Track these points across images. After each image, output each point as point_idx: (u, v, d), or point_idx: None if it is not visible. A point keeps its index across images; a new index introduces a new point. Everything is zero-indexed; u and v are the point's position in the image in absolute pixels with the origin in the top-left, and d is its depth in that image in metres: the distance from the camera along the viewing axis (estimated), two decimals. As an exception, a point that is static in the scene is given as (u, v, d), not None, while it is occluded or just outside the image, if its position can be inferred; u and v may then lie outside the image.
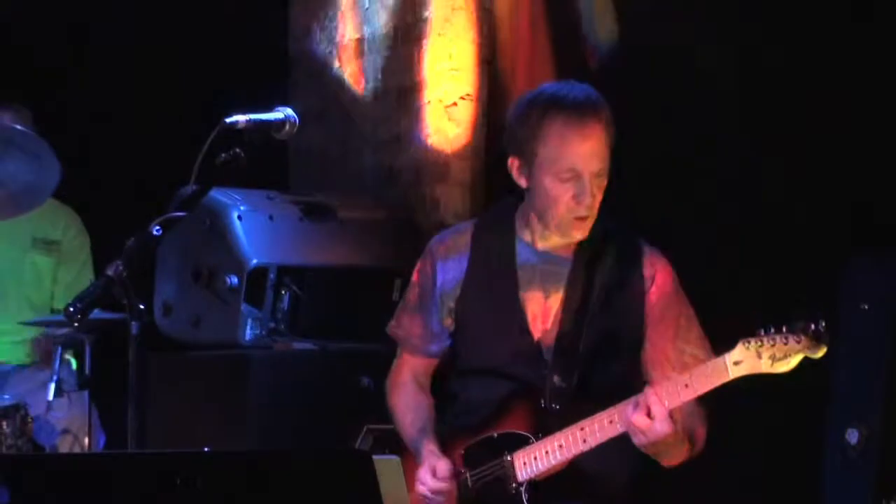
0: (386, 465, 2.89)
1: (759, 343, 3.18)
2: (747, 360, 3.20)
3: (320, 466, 2.84)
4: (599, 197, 3.49)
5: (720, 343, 3.81)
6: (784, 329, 3.16)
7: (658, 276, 3.55)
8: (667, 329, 3.53)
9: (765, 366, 3.17)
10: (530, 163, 3.51)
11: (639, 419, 3.29)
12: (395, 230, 5.41)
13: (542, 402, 3.49)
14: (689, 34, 4.54)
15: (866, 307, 3.93)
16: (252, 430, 4.75)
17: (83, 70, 6.11)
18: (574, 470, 3.47)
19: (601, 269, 3.54)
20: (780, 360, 3.15)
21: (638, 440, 3.32)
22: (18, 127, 4.93)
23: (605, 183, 3.49)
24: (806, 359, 3.17)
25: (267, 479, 2.80)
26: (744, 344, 3.20)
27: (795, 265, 4.23)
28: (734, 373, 3.22)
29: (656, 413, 3.27)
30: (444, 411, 3.72)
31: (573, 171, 3.45)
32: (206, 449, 2.89)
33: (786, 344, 3.15)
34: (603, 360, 3.49)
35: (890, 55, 4.08)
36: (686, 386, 3.28)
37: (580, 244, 3.56)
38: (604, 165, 3.47)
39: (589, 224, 3.52)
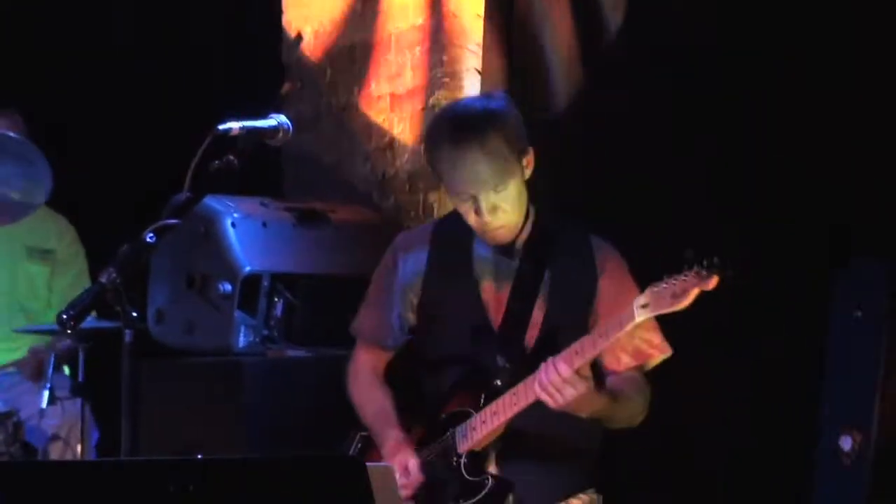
0: (379, 473, 2.89)
1: (664, 285, 3.27)
2: (652, 301, 3.29)
3: (314, 473, 2.84)
4: (507, 206, 3.60)
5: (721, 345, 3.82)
6: (683, 269, 3.25)
7: (608, 266, 3.67)
8: (611, 310, 3.57)
9: (667, 304, 3.26)
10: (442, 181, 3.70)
11: (547, 375, 3.37)
12: (389, 237, 5.39)
13: (489, 380, 3.58)
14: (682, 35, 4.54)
15: (859, 314, 3.94)
16: (245, 437, 4.74)
17: (76, 77, 6.10)
18: (519, 435, 3.56)
19: (550, 261, 3.65)
20: (679, 296, 3.24)
21: (551, 401, 3.39)
22: (11, 134, 4.92)
23: (508, 192, 3.59)
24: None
25: (260, 485, 2.80)
26: (650, 287, 3.30)
27: (789, 271, 4.23)
28: (640, 315, 3.30)
29: (563, 372, 3.36)
30: (409, 402, 3.82)
31: (466, 193, 3.60)
32: (199, 456, 2.89)
33: (685, 281, 3.23)
34: (551, 344, 3.54)
35: (888, 54, 4.08)
36: (600, 336, 3.38)
37: (528, 240, 3.68)
38: (496, 180, 3.57)
39: (505, 230, 3.65)
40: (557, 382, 3.39)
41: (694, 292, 3.23)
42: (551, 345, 3.51)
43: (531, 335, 3.64)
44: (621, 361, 3.63)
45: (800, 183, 4.26)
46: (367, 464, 2.81)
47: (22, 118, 5.37)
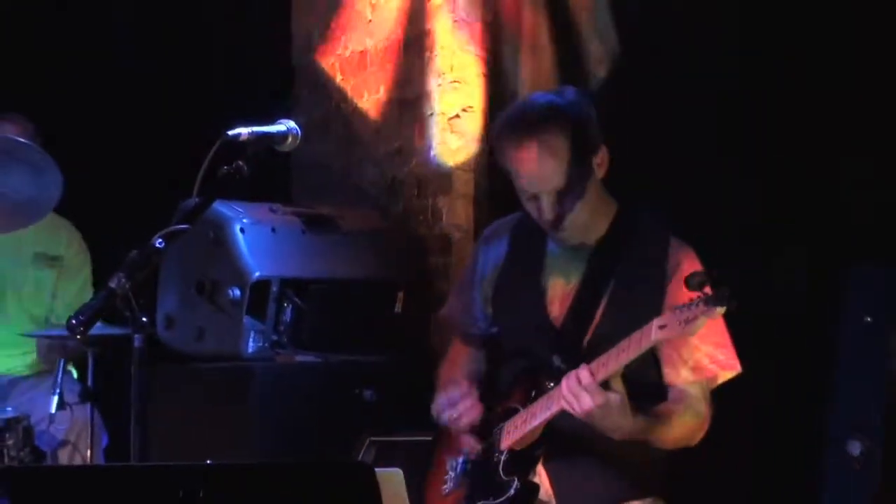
0: (388, 478, 2.89)
1: (681, 310, 3.22)
2: (668, 324, 3.23)
3: (322, 479, 2.84)
4: (570, 206, 3.53)
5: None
6: (695, 297, 3.22)
7: (679, 270, 3.52)
8: None
9: (678, 330, 3.22)
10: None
11: (568, 383, 3.33)
12: (398, 242, 5.41)
13: (543, 380, 3.51)
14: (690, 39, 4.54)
15: (869, 319, 3.94)
16: (254, 443, 4.75)
17: (84, 81, 6.11)
18: (567, 437, 3.50)
19: (620, 262, 3.55)
20: (688, 323, 3.19)
21: (570, 409, 3.34)
22: (21, 139, 4.92)
23: (569, 191, 3.51)
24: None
25: (269, 491, 2.80)
26: (671, 309, 3.25)
27: (798, 276, 4.23)
28: (657, 335, 3.24)
29: (584, 380, 3.31)
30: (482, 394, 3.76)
31: (528, 191, 3.54)
32: (208, 461, 2.89)
33: (696, 309, 3.19)
34: (607, 348, 3.43)
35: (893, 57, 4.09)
36: (622, 350, 3.31)
37: (604, 236, 3.59)
38: (558, 180, 3.49)
39: (571, 232, 3.57)
40: (576, 390, 3.32)
41: (701, 321, 3.18)
42: (607, 349, 3.39)
43: (590, 337, 3.55)
44: (680, 375, 3.53)
45: (810, 187, 4.25)
46: (376, 469, 2.80)
47: (32, 124, 5.38)
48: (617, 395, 3.32)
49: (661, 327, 3.23)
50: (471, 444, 3.63)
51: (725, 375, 3.57)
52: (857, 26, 4.17)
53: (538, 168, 3.50)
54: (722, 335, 3.54)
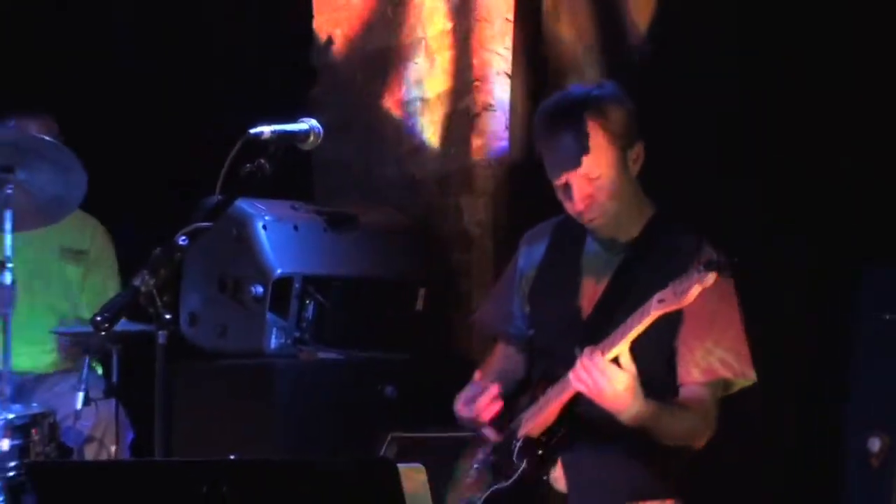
0: (410, 473, 2.90)
1: (677, 282, 3.29)
2: (667, 297, 3.30)
3: (345, 474, 2.85)
4: (600, 196, 3.56)
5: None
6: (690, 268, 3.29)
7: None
8: (699, 325, 3.53)
9: (674, 301, 3.29)
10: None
11: (581, 363, 3.38)
12: (419, 240, 5.42)
13: (562, 370, 3.53)
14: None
15: (887, 317, 3.93)
16: (277, 438, 4.76)
17: (109, 81, 6.13)
18: (584, 429, 3.53)
19: (651, 262, 3.56)
20: (682, 293, 3.26)
21: (583, 388, 3.39)
22: (46, 138, 4.95)
23: (603, 182, 3.55)
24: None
25: (292, 487, 2.81)
26: (670, 283, 3.30)
27: (817, 273, 4.22)
28: (656, 309, 3.31)
29: (595, 357, 3.36)
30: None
31: (560, 180, 3.58)
32: (231, 457, 2.90)
33: (688, 279, 3.26)
34: (633, 348, 3.46)
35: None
36: (626, 326, 3.37)
37: (636, 237, 3.62)
38: (588, 166, 3.54)
39: (602, 222, 3.60)
40: (588, 366, 3.37)
41: (695, 290, 3.24)
42: (630, 348, 3.41)
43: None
44: (691, 374, 3.55)
45: (829, 185, 4.24)
46: (398, 464, 2.81)
47: (56, 122, 5.40)
48: (626, 372, 3.37)
49: (661, 301, 3.30)
50: (493, 435, 3.66)
51: (739, 383, 3.59)
52: (867, 21, 4.15)
53: (570, 152, 3.53)
54: (738, 342, 3.57)
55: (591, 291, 3.65)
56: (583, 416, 3.53)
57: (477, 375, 3.79)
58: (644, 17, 4.75)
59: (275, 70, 6.02)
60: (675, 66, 4.61)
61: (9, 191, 4.66)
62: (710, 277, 3.22)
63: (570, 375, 3.42)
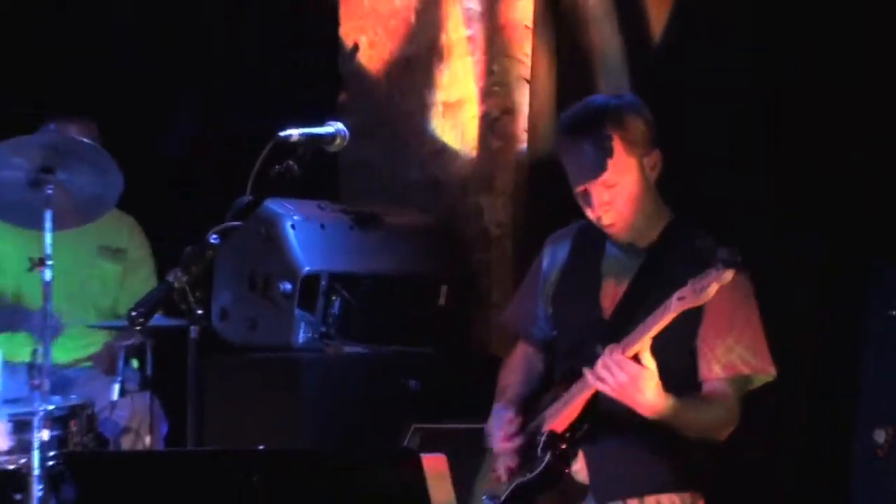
0: (433, 463, 2.90)
1: (696, 280, 3.30)
2: (687, 295, 3.31)
3: (370, 464, 2.85)
4: (619, 203, 3.57)
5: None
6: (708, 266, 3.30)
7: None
8: (719, 323, 3.52)
9: (694, 299, 3.30)
10: None
11: (602, 361, 3.39)
12: (441, 238, 5.42)
13: (585, 368, 3.52)
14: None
15: (894, 313, 3.92)
16: (304, 429, 4.76)
17: (145, 86, 6.15)
18: (605, 423, 3.53)
19: (670, 266, 3.55)
20: (702, 290, 3.27)
21: (603, 386, 3.40)
22: (87, 141, 4.96)
23: (618, 186, 3.56)
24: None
25: (320, 475, 2.81)
26: (690, 281, 3.31)
27: (828, 269, 4.21)
28: (676, 306, 3.32)
29: (616, 354, 3.37)
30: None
31: (579, 189, 3.59)
32: (261, 447, 2.90)
33: (707, 276, 3.28)
34: (651, 345, 3.46)
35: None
36: (646, 325, 3.38)
37: (655, 242, 3.62)
38: (607, 175, 3.54)
39: (620, 227, 3.61)
40: (609, 364, 3.38)
41: (714, 287, 3.25)
42: (651, 346, 3.41)
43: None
44: (712, 371, 3.54)
45: (841, 181, 4.22)
46: (421, 454, 2.81)
47: (96, 124, 5.42)
48: (647, 370, 3.37)
49: (680, 299, 3.31)
50: (514, 462, 3.68)
51: (759, 379, 3.59)
52: (878, 18, 4.13)
53: (589, 161, 3.55)
54: (757, 339, 3.57)
55: (612, 293, 3.65)
56: (605, 411, 3.53)
57: (500, 381, 3.82)
58: (660, 15, 4.73)
59: (304, 76, 6.03)
60: (687, 64, 4.60)
61: (49, 191, 4.67)
62: (728, 274, 3.23)
63: (589, 374, 3.43)
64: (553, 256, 3.82)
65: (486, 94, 5.46)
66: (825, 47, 4.25)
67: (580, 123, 3.60)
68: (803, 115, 4.30)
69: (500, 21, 5.42)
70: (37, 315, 4.72)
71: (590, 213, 3.61)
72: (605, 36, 4.96)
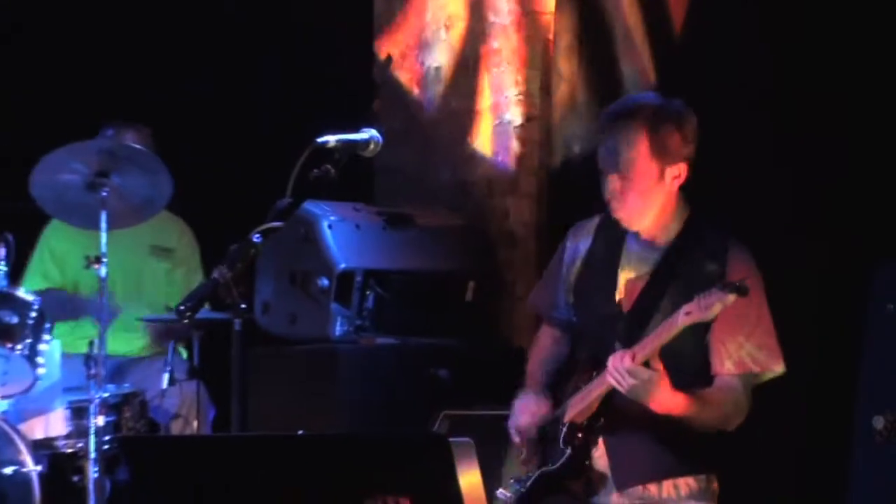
0: (461, 447, 2.91)
1: (702, 297, 3.33)
2: (694, 310, 3.33)
3: (401, 448, 2.87)
4: (628, 197, 3.55)
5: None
6: (713, 288, 3.34)
7: (735, 272, 3.51)
8: (731, 321, 3.50)
9: (699, 315, 3.33)
10: None
11: (613, 363, 3.43)
12: (469, 238, 5.43)
13: (604, 362, 3.53)
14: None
15: (892, 307, 3.92)
16: (340, 416, 4.79)
17: (194, 97, 6.19)
18: (623, 412, 3.54)
19: (687, 263, 3.57)
20: (707, 308, 3.30)
21: (617, 386, 3.44)
22: (138, 146, 5.01)
23: (632, 182, 3.53)
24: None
25: (354, 459, 2.84)
26: (696, 299, 3.33)
27: (825, 268, 4.21)
28: (683, 320, 3.35)
29: (626, 362, 3.41)
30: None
31: (602, 169, 3.59)
32: (300, 432, 2.93)
33: (712, 295, 3.31)
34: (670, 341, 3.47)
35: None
36: (656, 335, 3.41)
37: (676, 237, 3.61)
38: (623, 165, 3.53)
39: (626, 219, 3.61)
40: (620, 369, 3.42)
41: (717, 307, 3.30)
42: (670, 344, 3.42)
43: (651, 328, 3.52)
44: (724, 366, 3.54)
45: (840, 182, 4.22)
46: (450, 439, 2.83)
47: (150, 131, 5.47)
48: (655, 373, 3.41)
49: (687, 314, 3.34)
50: (523, 417, 3.71)
51: (768, 374, 3.59)
52: (887, 25, 4.12)
53: (611, 147, 3.54)
54: (767, 337, 3.57)
55: (630, 286, 3.63)
56: (621, 404, 3.54)
57: (528, 367, 3.83)
58: (679, 14, 4.72)
59: (340, 85, 6.07)
60: (702, 67, 4.59)
61: (104, 194, 4.73)
62: (730, 298, 3.28)
63: (606, 374, 3.47)
64: (575, 247, 3.80)
65: (512, 103, 5.47)
66: (826, 49, 4.24)
67: (616, 116, 3.57)
68: (803, 114, 4.29)
69: (524, 36, 5.43)
70: (95, 304, 4.77)
71: (604, 195, 3.60)
72: (623, 52, 4.97)
